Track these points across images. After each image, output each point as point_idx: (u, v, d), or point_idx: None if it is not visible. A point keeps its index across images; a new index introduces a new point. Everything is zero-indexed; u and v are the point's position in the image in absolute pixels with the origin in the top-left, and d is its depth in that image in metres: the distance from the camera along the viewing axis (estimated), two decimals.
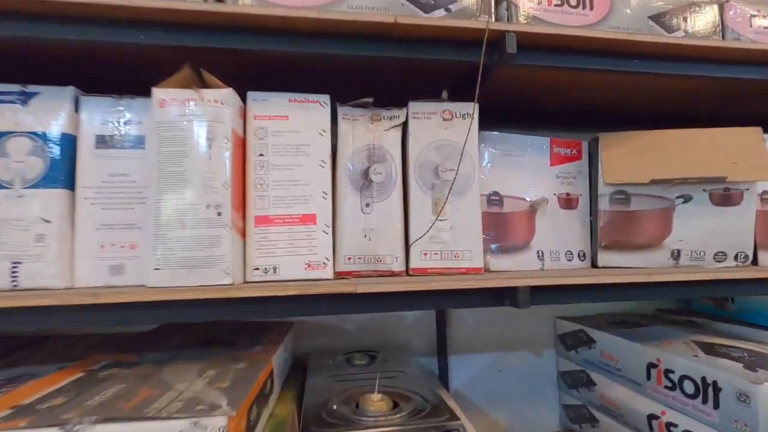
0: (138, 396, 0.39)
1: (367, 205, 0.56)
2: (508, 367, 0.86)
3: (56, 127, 0.51)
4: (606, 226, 0.67)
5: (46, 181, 0.50)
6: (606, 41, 0.54)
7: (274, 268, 0.52)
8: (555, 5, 0.56)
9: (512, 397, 0.85)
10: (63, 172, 0.50)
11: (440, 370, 0.81)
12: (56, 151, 0.50)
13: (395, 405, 0.49)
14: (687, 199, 0.64)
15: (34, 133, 0.50)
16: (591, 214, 0.69)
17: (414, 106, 0.58)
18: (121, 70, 0.57)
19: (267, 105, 0.54)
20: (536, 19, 0.55)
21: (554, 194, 0.68)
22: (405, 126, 0.58)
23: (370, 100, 0.57)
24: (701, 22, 0.62)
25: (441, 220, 0.56)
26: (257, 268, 0.52)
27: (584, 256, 0.69)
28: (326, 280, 0.53)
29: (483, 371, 0.84)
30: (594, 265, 0.69)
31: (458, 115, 0.58)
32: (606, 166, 0.66)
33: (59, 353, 0.61)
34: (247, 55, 0.52)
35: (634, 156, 0.64)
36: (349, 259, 0.55)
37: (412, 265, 0.56)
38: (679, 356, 0.58)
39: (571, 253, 0.68)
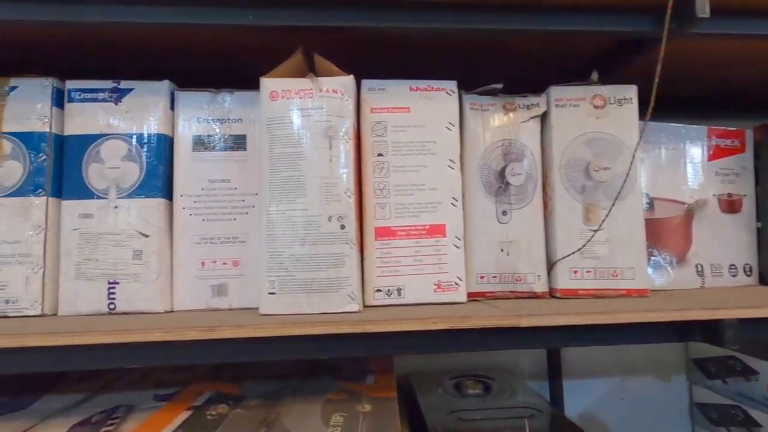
0: None
1: (504, 213, 0.46)
2: (630, 394, 0.74)
3: (152, 127, 0.44)
4: None
5: (142, 189, 0.44)
6: None
7: (399, 290, 0.43)
8: None
9: (636, 430, 0.73)
10: (160, 179, 0.44)
11: (552, 397, 0.71)
12: (152, 154, 0.44)
13: None
14: None
15: (129, 135, 0.44)
16: (758, 219, 0.57)
17: (556, 92, 0.47)
18: (211, 60, 0.50)
19: (385, 95, 0.45)
20: None
21: (714, 195, 0.56)
22: (544, 117, 0.48)
23: (500, 85, 0.48)
24: None
25: (595, 231, 0.46)
26: (379, 290, 0.43)
27: (750, 270, 0.56)
28: (459, 303, 0.44)
29: (602, 399, 0.73)
30: (763, 281, 0.56)
31: (613, 101, 0.47)
32: None
33: (147, 377, 0.56)
34: (354, 36, 0.44)
35: None
36: (482, 277, 0.46)
37: (559, 285, 0.46)
38: None
39: (735, 268, 0.55)
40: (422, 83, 0.46)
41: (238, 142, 0.46)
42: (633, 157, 0.45)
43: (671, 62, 0.54)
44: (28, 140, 0.44)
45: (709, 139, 0.56)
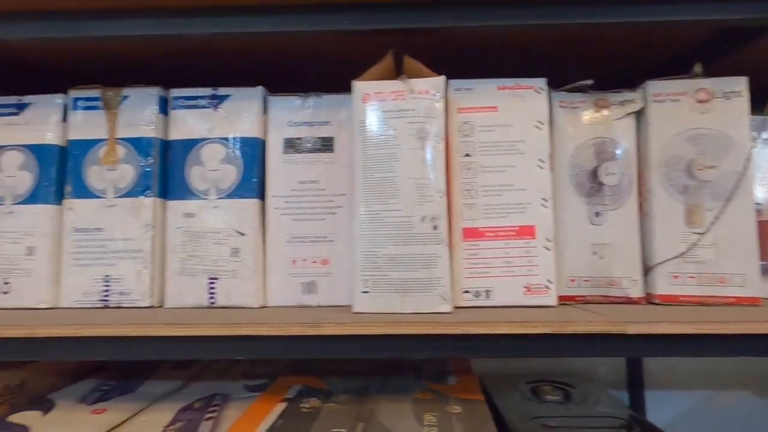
0: None
1: (597, 214, 0.44)
2: (720, 408, 0.69)
3: (247, 131, 0.47)
4: None
5: (239, 191, 0.46)
6: None
7: (487, 292, 0.43)
8: None
9: None
10: (254, 180, 0.46)
11: (633, 408, 0.67)
12: (247, 157, 0.47)
13: None
14: None
15: (226, 139, 0.47)
16: None
17: (654, 86, 0.45)
18: (298, 64, 0.52)
19: (472, 95, 0.45)
20: None
21: None
22: (641, 113, 0.46)
23: (590, 82, 0.46)
24: None
25: (699, 234, 0.43)
26: (467, 291, 0.43)
27: None
28: (549, 307, 0.43)
29: (688, 412, 0.69)
30: None
31: (719, 95, 0.44)
32: None
33: (233, 368, 0.59)
34: (441, 36, 0.44)
35: None
36: (573, 281, 0.45)
37: (658, 290, 0.43)
38: None
39: None
40: (510, 82, 0.45)
41: (326, 145, 0.47)
42: (748, 154, 0.41)
43: None
44: (138, 145, 0.47)
45: None
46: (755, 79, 0.44)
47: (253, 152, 0.47)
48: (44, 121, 0.48)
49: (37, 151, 0.48)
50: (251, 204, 0.46)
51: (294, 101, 0.48)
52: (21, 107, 0.49)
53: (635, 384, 0.67)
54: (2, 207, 0.47)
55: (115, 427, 0.41)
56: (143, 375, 0.55)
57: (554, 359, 0.71)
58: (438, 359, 0.57)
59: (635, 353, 0.36)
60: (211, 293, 0.45)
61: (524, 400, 0.58)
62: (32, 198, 0.47)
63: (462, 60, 0.50)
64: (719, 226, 0.42)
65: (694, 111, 0.44)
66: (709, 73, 0.45)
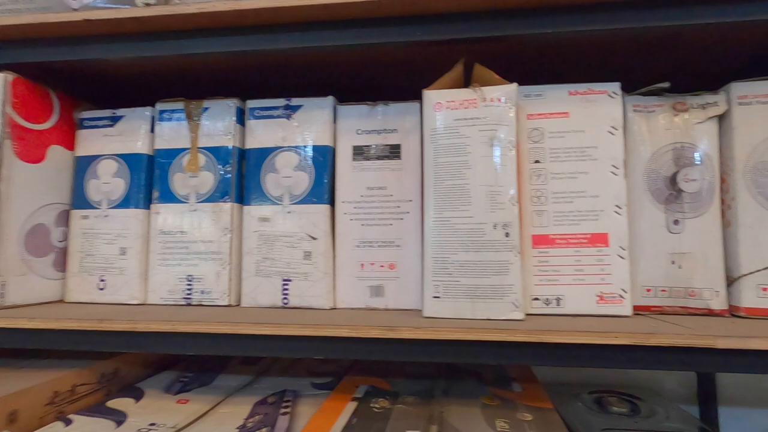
0: None
1: (676, 222, 0.43)
2: None
3: (318, 139, 0.49)
4: None
5: (311, 196, 0.48)
6: None
7: (558, 300, 0.43)
8: None
9: None
10: (324, 187, 0.48)
11: (705, 423, 0.64)
12: (318, 164, 0.49)
13: None
14: None
15: (299, 147, 0.49)
16: None
17: (739, 88, 0.43)
18: (366, 74, 0.53)
19: (542, 101, 0.45)
20: None
21: None
22: (723, 116, 0.43)
23: (666, 84, 0.44)
24: None
25: None
26: (537, 299, 0.43)
27: None
28: (623, 317, 0.42)
29: None
30: None
31: None
32: None
33: (296, 365, 0.62)
34: (510, 44, 0.44)
35: None
36: (649, 290, 0.43)
37: (743, 303, 0.41)
38: None
39: None
40: (582, 87, 0.44)
41: (394, 152, 0.48)
42: None
43: None
44: (218, 154, 0.51)
45: None
46: None
47: (324, 159, 0.49)
48: (135, 132, 0.52)
49: (129, 159, 0.52)
50: (322, 209, 0.48)
51: (362, 109, 0.49)
52: (115, 120, 0.53)
53: (707, 399, 0.64)
54: (99, 211, 0.52)
55: (199, 417, 0.44)
56: (216, 369, 0.59)
57: (617, 371, 0.68)
58: (498, 366, 0.57)
59: (722, 369, 0.35)
60: (285, 294, 0.48)
61: (588, 410, 0.56)
62: (125, 203, 0.51)
63: (529, 65, 0.50)
64: None
65: None
66: None
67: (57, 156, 0.52)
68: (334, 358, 0.62)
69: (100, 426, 0.41)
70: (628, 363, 0.36)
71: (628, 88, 0.46)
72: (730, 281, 0.42)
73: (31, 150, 0.49)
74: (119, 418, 0.43)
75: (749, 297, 0.41)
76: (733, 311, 0.42)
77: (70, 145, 0.53)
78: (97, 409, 0.44)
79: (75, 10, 0.44)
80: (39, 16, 0.43)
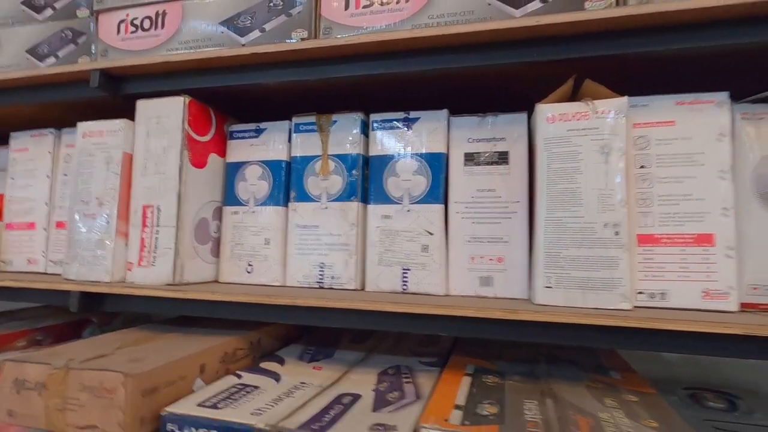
0: (578, 422, 0.38)
1: None
2: None
3: (433, 147, 0.56)
4: None
5: (427, 197, 0.55)
6: None
7: (662, 294, 0.46)
8: None
9: None
10: (440, 189, 0.55)
11: None
12: (434, 169, 0.56)
13: None
14: None
15: (418, 154, 0.56)
16: None
17: None
18: (478, 88, 0.59)
19: (648, 110, 0.48)
20: None
21: None
22: None
23: None
24: None
25: None
26: (641, 292, 0.47)
27: None
28: (729, 312, 0.44)
29: None
30: None
31: None
32: None
33: (400, 345, 0.70)
34: (623, 60, 0.48)
35: None
36: (755, 288, 0.46)
37: None
38: None
39: None
40: (689, 97, 0.47)
41: (502, 158, 0.54)
42: None
43: None
44: (345, 160, 0.59)
45: None
46: None
47: (439, 165, 0.55)
48: (275, 141, 0.62)
49: (271, 165, 0.62)
50: (437, 209, 0.55)
51: (473, 120, 0.55)
52: (259, 132, 0.64)
53: None
54: (247, 207, 0.63)
55: (335, 381, 0.52)
56: (332, 345, 0.68)
57: (709, 370, 0.69)
58: (591, 354, 0.61)
59: None
60: (404, 281, 0.55)
61: (684, 404, 0.59)
62: (268, 201, 0.62)
63: (636, 77, 0.53)
64: None
65: None
66: None
67: (214, 162, 0.63)
68: (437, 341, 0.69)
69: (263, 381, 0.51)
70: (739, 353, 0.39)
71: (738, 96, 0.48)
72: None
73: (199, 158, 0.60)
74: (275, 376, 0.53)
75: None
76: None
77: (222, 153, 0.65)
78: (256, 369, 0.55)
79: (243, 45, 0.54)
80: (216, 51, 0.54)
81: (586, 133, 0.46)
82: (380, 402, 0.45)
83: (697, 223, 0.46)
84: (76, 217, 0.61)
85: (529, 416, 0.39)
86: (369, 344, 0.70)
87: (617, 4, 0.45)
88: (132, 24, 0.60)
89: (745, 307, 0.46)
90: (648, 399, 0.45)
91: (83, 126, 0.62)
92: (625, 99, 0.45)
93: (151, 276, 0.57)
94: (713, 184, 0.46)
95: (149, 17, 0.59)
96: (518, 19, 0.45)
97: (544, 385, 0.48)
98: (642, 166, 0.48)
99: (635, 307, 0.46)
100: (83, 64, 0.62)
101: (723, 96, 0.46)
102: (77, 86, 0.62)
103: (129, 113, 0.60)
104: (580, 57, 0.46)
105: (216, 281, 0.64)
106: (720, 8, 0.41)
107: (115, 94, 0.60)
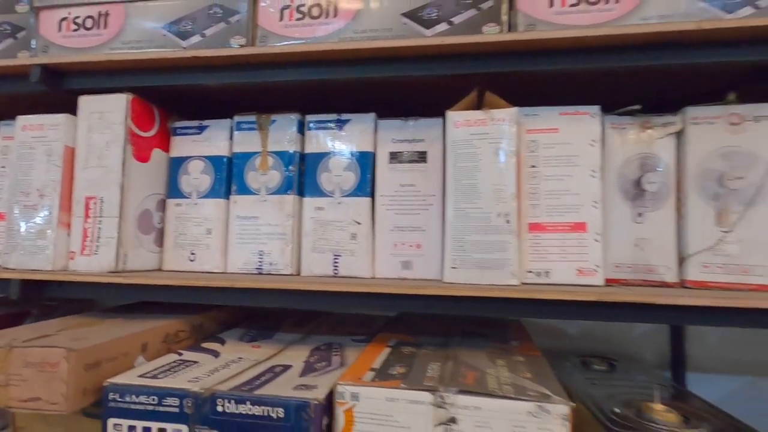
0: (466, 376, 0.46)
1: (639, 215, 0.56)
2: (762, 394, 0.76)
3: (362, 146, 0.63)
4: None
5: (356, 191, 0.62)
6: None
7: (546, 272, 0.56)
8: None
9: None
10: (367, 184, 0.62)
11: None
12: (362, 166, 0.62)
13: (685, 421, 0.49)
14: None
15: (348, 152, 0.63)
16: None
17: (693, 111, 0.55)
18: (399, 95, 0.67)
19: (538, 119, 0.57)
20: None
21: None
22: (681, 133, 0.56)
23: (638, 107, 0.57)
24: None
25: (726, 232, 0.53)
26: (530, 271, 0.56)
27: None
28: (598, 286, 0.54)
29: (729, 395, 0.76)
30: None
31: (750, 118, 0.53)
32: None
33: (339, 326, 0.76)
34: (515, 78, 0.57)
35: None
36: (618, 267, 0.56)
37: (690, 277, 0.54)
38: None
39: None
40: (570, 108, 0.57)
41: (421, 157, 0.62)
42: (762, 166, 0.51)
43: None
44: (283, 156, 0.65)
45: None
46: None
47: (367, 162, 0.62)
48: (218, 138, 0.67)
49: (213, 160, 0.67)
50: (365, 201, 0.62)
51: (397, 123, 0.63)
52: (201, 129, 0.68)
53: (678, 365, 0.76)
54: (190, 200, 0.67)
55: (271, 356, 0.58)
56: (274, 329, 0.73)
57: (603, 342, 0.81)
58: (501, 329, 0.70)
59: (664, 321, 0.47)
60: (335, 266, 0.62)
61: (574, 368, 0.69)
62: (210, 194, 0.66)
63: (530, 90, 0.63)
64: (743, 226, 0.52)
65: (727, 132, 0.54)
66: (750, 100, 0.54)
67: (158, 157, 0.67)
68: (372, 323, 0.76)
69: (203, 357, 0.55)
70: (596, 315, 0.49)
71: (609, 108, 0.58)
72: (681, 260, 0.55)
73: (142, 152, 0.64)
74: (214, 353, 0.57)
75: (694, 272, 0.53)
76: (682, 284, 0.54)
77: (166, 148, 0.68)
78: (196, 348, 0.59)
79: (185, 48, 0.58)
80: (159, 52, 0.58)
81: (484, 137, 0.54)
82: (308, 370, 0.52)
83: (574, 213, 0.56)
84: (16, 208, 0.63)
85: (430, 373, 0.47)
86: (308, 328, 0.76)
87: (509, 30, 0.53)
88: (74, 22, 0.62)
89: (610, 282, 0.56)
90: (532, 359, 0.54)
91: (22, 119, 0.64)
92: (515, 109, 0.54)
93: (93, 264, 0.60)
94: (586, 182, 0.56)
95: (92, 17, 0.61)
96: (428, 38, 0.53)
97: (451, 352, 0.56)
98: (533, 166, 0.57)
99: (524, 283, 0.55)
100: (23, 58, 0.63)
101: (596, 109, 0.56)
102: (16, 80, 0.63)
103: (72, 107, 0.62)
104: (480, 72, 0.54)
105: (160, 270, 0.67)
106: (587, 38, 0.50)
107: (57, 89, 0.62)
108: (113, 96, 0.61)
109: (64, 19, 0.62)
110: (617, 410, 0.50)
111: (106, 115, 0.62)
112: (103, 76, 0.62)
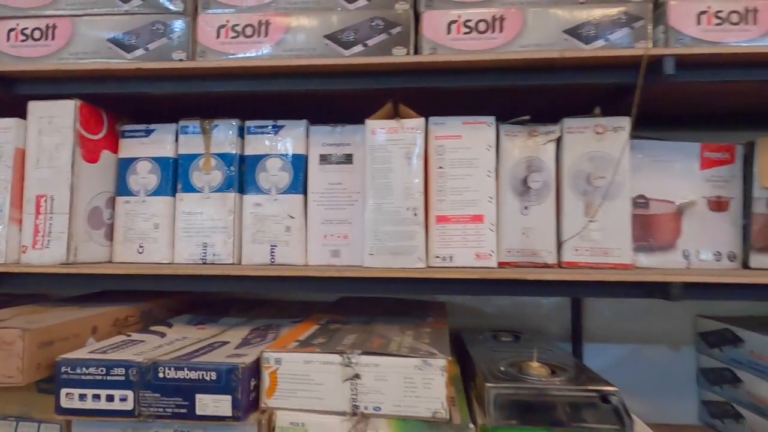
0: (374, 342, 0.56)
1: (526, 208, 0.67)
2: (644, 359, 0.90)
3: (296, 149, 0.71)
4: (761, 229, 0.68)
5: (291, 189, 0.70)
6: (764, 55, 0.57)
7: (450, 257, 0.66)
8: (715, 24, 0.60)
9: (648, 389, 0.89)
10: (300, 182, 0.70)
11: (574, 355, 0.89)
12: (296, 167, 0.70)
13: (553, 373, 0.60)
14: None
15: (282, 155, 0.71)
16: (744, 217, 0.71)
17: (568, 122, 0.66)
18: (333, 105, 0.75)
19: (444, 127, 0.67)
20: (694, 39, 0.60)
21: (703, 197, 0.71)
22: (560, 140, 0.67)
23: (528, 117, 0.68)
24: None
25: (592, 222, 0.64)
26: (437, 256, 0.66)
27: (734, 257, 0.71)
28: (492, 268, 0.65)
29: (618, 361, 0.90)
30: (746, 266, 0.70)
31: (610, 129, 0.65)
32: (763, 170, 0.67)
33: (280, 312, 0.84)
34: (430, 91, 0.67)
35: None
36: (509, 252, 0.67)
37: (565, 258, 0.65)
38: None
39: (720, 254, 0.71)
40: (471, 118, 0.67)
41: (348, 159, 0.70)
42: (624, 169, 0.63)
43: (665, 97, 0.71)
44: (224, 158, 0.72)
45: (701, 153, 0.71)
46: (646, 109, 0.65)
47: (300, 164, 0.70)
48: (164, 141, 0.73)
49: (160, 161, 0.73)
50: (298, 198, 0.70)
51: (326, 129, 0.71)
52: (148, 132, 0.74)
53: (576, 337, 0.89)
54: (138, 197, 0.73)
55: (214, 335, 0.65)
56: (220, 314, 0.81)
57: (514, 320, 0.93)
58: (423, 309, 0.80)
59: (544, 294, 0.58)
60: (272, 255, 0.70)
61: (485, 340, 0.80)
62: (157, 192, 0.72)
63: (443, 102, 0.73)
64: (605, 217, 0.64)
65: (593, 139, 0.65)
66: (617, 112, 0.66)
67: (107, 158, 0.72)
68: (311, 309, 0.85)
69: (150, 337, 0.62)
70: (490, 291, 0.59)
71: (506, 118, 0.69)
72: (559, 245, 0.66)
73: (91, 154, 0.69)
74: (161, 335, 0.64)
75: (568, 255, 0.65)
76: (560, 264, 0.66)
77: (115, 149, 0.74)
78: (145, 331, 0.66)
79: (129, 60, 0.65)
80: (105, 63, 0.64)
81: (396, 143, 0.64)
82: (243, 344, 0.60)
83: (473, 207, 0.66)
84: None
85: (345, 342, 0.56)
86: (252, 314, 0.83)
87: (415, 52, 0.63)
88: (22, 33, 0.66)
89: (502, 264, 0.67)
90: (437, 330, 0.64)
91: None
92: (422, 119, 0.64)
93: (45, 256, 0.65)
94: (484, 181, 0.66)
95: (39, 29, 0.66)
96: (347, 57, 0.62)
97: (370, 327, 0.66)
98: (440, 167, 0.67)
99: (431, 266, 0.65)
100: None
101: (492, 119, 0.67)
102: None
103: (22, 112, 0.67)
104: (391, 87, 0.63)
105: (110, 262, 0.73)
106: (477, 62, 0.60)
107: (8, 95, 0.67)
108: (62, 102, 0.66)
109: (12, 29, 0.67)
110: (502, 368, 0.61)
111: (55, 119, 0.67)
112: (54, 83, 0.67)
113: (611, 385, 0.55)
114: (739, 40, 0.59)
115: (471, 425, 0.49)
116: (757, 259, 0.69)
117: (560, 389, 0.54)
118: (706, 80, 0.60)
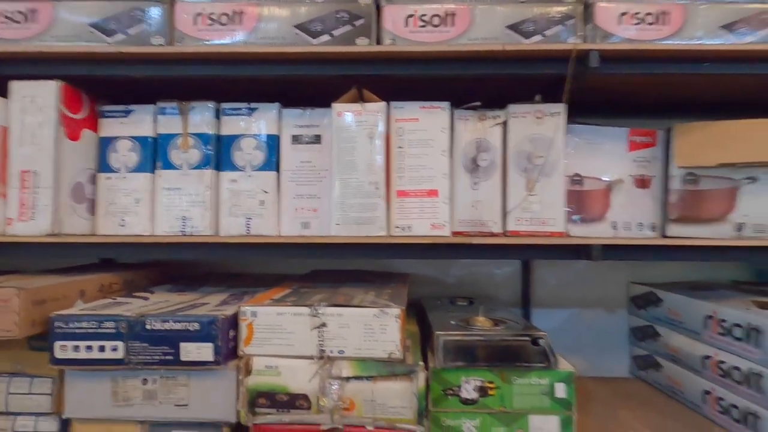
0: (339, 298, 0.63)
1: (475, 183, 0.75)
2: (584, 321, 1.01)
3: (269, 130, 0.77)
4: (677, 203, 0.79)
5: (264, 167, 0.76)
6: (677, 51, 0.67)
7: (409, 227, 0.74)
8: (634, 24, 0.69)
9: (587, 348, 1.01)
10: (273, 161, 0.77)
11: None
12: (269, 146, 0.77)
13: (495, 324, 0.69)
14: (753, 179, 0.75)
15: (257, 135, 0.77)
16: (663, 193, 0.82)
17: (512, 108, 0.75)
18: (304, 90, 0.81)
19: (404, 111, 0.75)
20: (614, 35, 0.69)
21: (630, 175, 0.81)
22: (505, 123, 0.76)
23: (478, 103, 0.76)
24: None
25: (532, 195, 0.74)
26: (398, 227, 0.74)
27: (655, 228, 0.82)
28: (446, 236, 0.74)
29: (562, 323, 1.01)
30: (664, 236, 0.81)
31: (548, 114, 0.74)
32: (678, 152, 0.78)
33: (256, 283, 0.91)
34: (391, 78, 0.74)
35: (704, 143, 0.76)
36: (461, 222, 0.76)
37: (509, 228, 0.74)
38: (733, 309, 0.71)
39: (642, 225, 0.81)
40: (427, 103, 0.75)
41: (317, 139, 0.77)
42: (559, 149, 0.72)
43: (596, 86, 0.81)
44: (201, 137, 0.77)
45: (629, 137, 0.81)
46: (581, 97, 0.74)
47: (273, 143, 0.77)
48: (143, 121, 0.78)
49: (140, 140, 0.78)
50: (271, 175, 0.76)
51: (297, 112, 0.77)
52: (127, 112, 0.78)
53: (526, 302, 0.99)
54: (119, 174, 0.77)
55: (195, 300, 0.72)
56: (200, 283, 0.86)
57: (471, 288, 1.03)
58: (388, 279, 0.89)
59: (488, 257, 0.67)
60: (248, 227, 0.76)
61: (444, 305, 0.89)
62: (138, 169, 0.77)
63: (405, 87, 0.80)
64: (543, 191, 0.73)
65: (534, 123, 0.74)
66: (556, 100, 0.75)
67: (88, 136, 0.76)
68: (284, 280, 0.91)
69: (135, 300, 0.68)
70: (442, 256, 0.68)
71: (460, 103, 0.77)
72: (504, 216, 0.75)
73: (73, 132, 0.73)
74: (145, 299, 0.70)
75: (512, 224, 0.74)
76: (505, 233, 0.75)
77: (95, 128, 0.78)
78: (129, 296, 0.71)
79: (110, 44, 0.69)
80: (87, 46, 0.68)
81: (360, 124, 0.71)
82: (221, 304, 0.66)
83: (429, 183, 0.74)
84: None
85: (313, 299, 0.64)
86: (230, 283, 0.90)
87: (377, 42, 0.70)
88: (4, 16, 0.70)
89: (455, 234, 0.75)
90: (396, 291, 0.73)
91: None
92: (384, 104, 0.71)
93: (31, 228, 0.70)
94: (439, 159, 0.74)
95: (21, 11, 0.69)
96: (315, 46, 0.68)
97: (337, 290, 0.73)
98: (400, 147, 0.75)
99: (391, 235, 0.73)
100: None
101: (446, 104, 0.75)
102: None
103: (3, 91, 0.71)
104: (356, 74, 0.70)
105: (93, 234, 0.78)
106: (431, 52, 0.68)
107: None
108: (44, 82, 0.70)
109: None
110: (453, 322, 0.70)
111: (37, 99, 0.70)
112: (36, 65, 0.70)
113: (541, 331, 0.64)
114: (653, 38, 0.69)
115: (421, 363, 0.58)
116: (672, 229, 0.80)
117: (499, 335, 0.64)
118: (625, 72, 0.69)
